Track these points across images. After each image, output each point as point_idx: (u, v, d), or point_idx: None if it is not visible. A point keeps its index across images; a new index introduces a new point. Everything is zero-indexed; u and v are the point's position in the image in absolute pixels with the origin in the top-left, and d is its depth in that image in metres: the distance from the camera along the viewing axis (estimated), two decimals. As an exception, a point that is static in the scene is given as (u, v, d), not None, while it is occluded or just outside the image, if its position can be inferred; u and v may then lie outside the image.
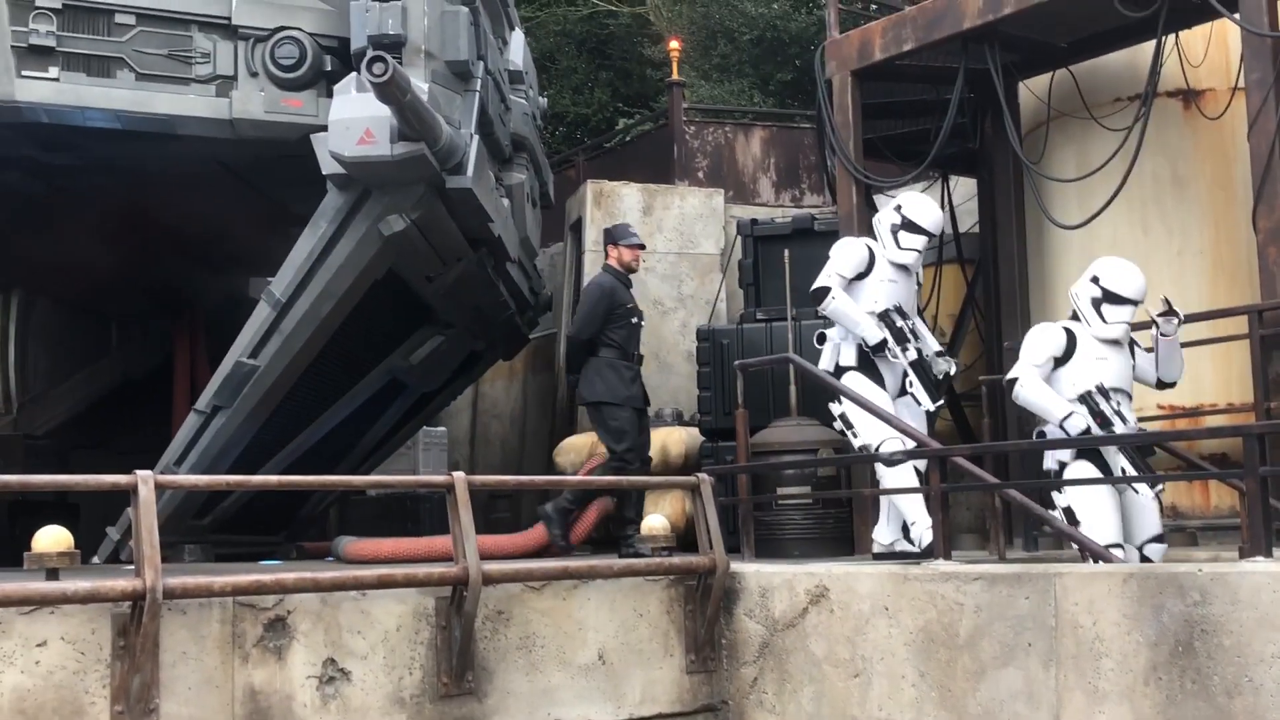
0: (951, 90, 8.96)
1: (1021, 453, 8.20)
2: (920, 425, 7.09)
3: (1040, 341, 6.59)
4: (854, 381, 7.23)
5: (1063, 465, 6.41)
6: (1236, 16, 7.43)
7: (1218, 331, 7.78)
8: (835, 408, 7.28)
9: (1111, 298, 6.54)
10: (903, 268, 7.37)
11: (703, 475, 6.49)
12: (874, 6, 11.57)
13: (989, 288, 10.34)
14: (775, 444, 8.96)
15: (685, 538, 7.14)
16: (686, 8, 18.92)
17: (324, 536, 11.01)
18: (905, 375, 7.21)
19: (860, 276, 7.30)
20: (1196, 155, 8.87)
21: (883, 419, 6.87)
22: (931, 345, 7.40)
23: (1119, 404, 6.39)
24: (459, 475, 5.46)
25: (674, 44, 15.49)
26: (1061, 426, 6.34)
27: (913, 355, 7.17)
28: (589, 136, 19.08)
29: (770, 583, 6.19)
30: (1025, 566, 5.44)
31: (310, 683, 5.17)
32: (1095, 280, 6.65)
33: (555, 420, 13.64)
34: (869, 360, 7.27)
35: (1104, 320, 6.54)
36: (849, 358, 7.31)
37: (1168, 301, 6.58)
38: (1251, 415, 7.44)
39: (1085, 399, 6.37)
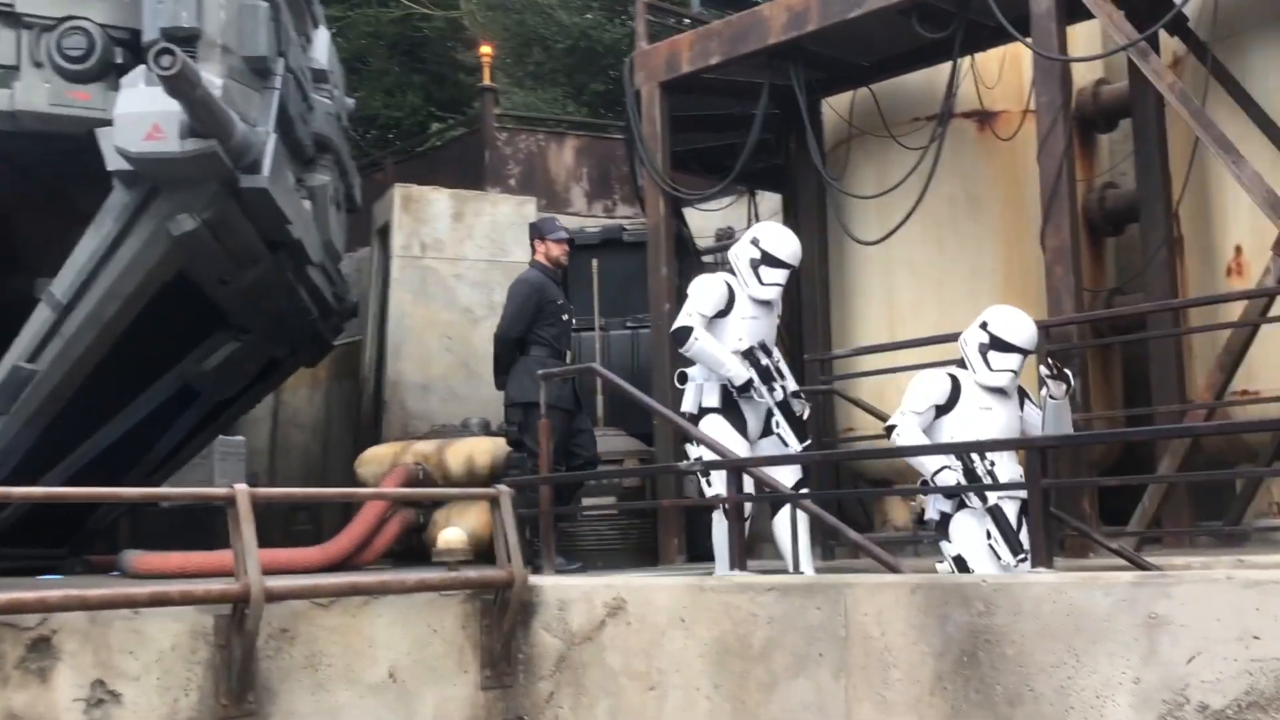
0: (758, 105, 9.05)
1: (817, 463, 8.32)
2: (789, 468, 6.73)
3: (923, 388, 6.32)
4: (711, 426, 6.81)
5: (945, 516, 6.19)
6: (1029, 40, 7.66)
7: (1008, 347, 8.00)
8: (691, 450, 6.82)
9: (999, 344, 6.29)
10: (764, 303, 6.97)
11: (501, 487, 6.38)
12: (685, 20, 11.65)
13: (791, 302, 10.48)
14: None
15: (493, 549, 7.00)
16: (500, 14, 18.80)
17: (114, 550, 10.52)
18: (771, 415, 6.86)
19: (721, 314, 6.89)
20: (990, 175, 9.14)
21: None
22: (791, 385, 7.03)
23: (992, 463, 6.07)
24: (241, 488, 5.24)
25: (486, 49, 15.36)
26: (932, 480, 6.09)
27: (779, 395, 6.85)
28: (400, 140, 18.78)
29: (568, 596, 6.11)
30: (817, 577, 5.48)
31: (76, 706, 4.88)
32: (984, 326, 6.39)
33: (359, 430, 13.35)
34: (733, 401, 6.86)
35: (990, 368, 6.28)
36: (712, 399, 6.89)
37: (1057, 365, 6.31)
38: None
39: (961, 455, 6.09)
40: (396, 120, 19.59)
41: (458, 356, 13.37)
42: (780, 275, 6.91)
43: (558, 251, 8.48)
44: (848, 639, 5.05)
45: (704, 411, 6.89)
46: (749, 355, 6.85)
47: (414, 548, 9.67)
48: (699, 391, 6.96)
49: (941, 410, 6.21)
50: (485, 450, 10.16)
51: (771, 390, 6.84)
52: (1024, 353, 6.32)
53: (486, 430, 11.07)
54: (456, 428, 11.32)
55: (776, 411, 6.82)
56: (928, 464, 6.04)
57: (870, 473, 9.39)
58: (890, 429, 6.31)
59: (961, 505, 6.11)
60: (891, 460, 8.65)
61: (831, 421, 9.24)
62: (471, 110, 17.24)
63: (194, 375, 9.32)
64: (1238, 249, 7.95)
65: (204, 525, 12.89)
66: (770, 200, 11.52)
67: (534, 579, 6.28)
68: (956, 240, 9.11)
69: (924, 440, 6.15)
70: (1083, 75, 9.12)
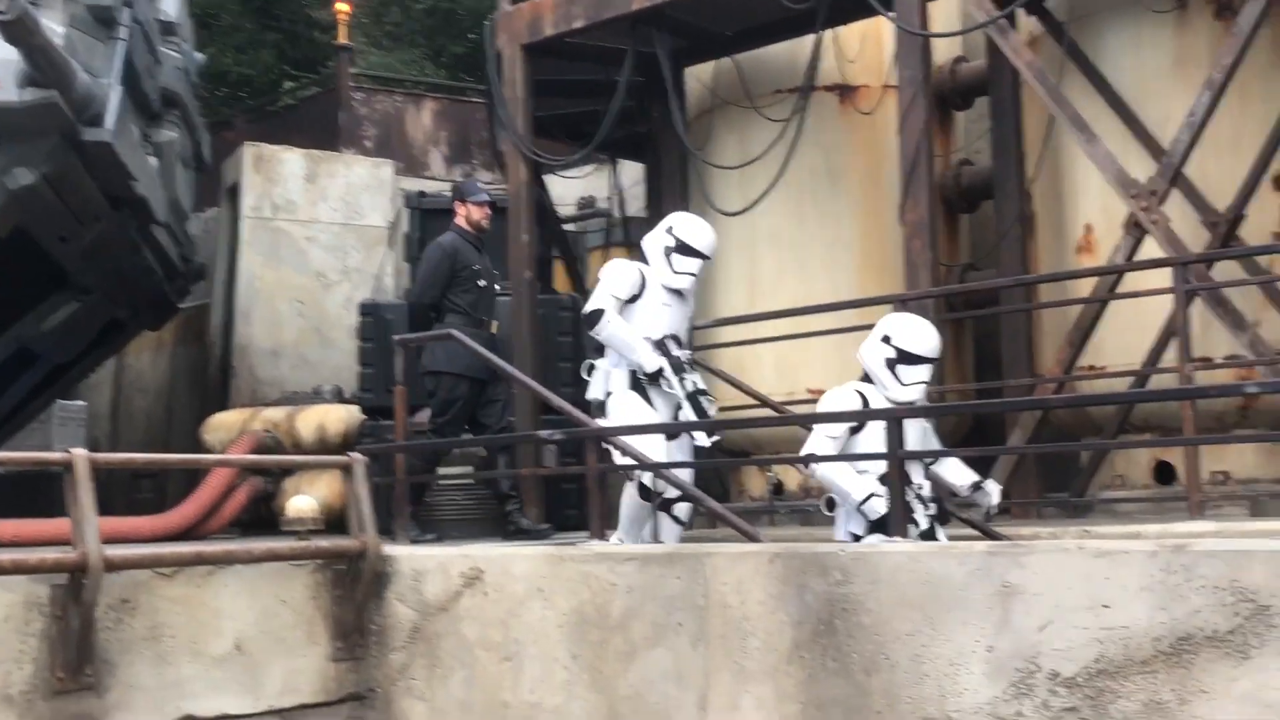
0: (621, 72, 8.97)
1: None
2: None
3: (838, 409, 5.90)
4: (623, 402, 6.54)
5: (857, 538, 5.85)
6: (892, 15, 7.71)
7: (865, 319, 8.06)
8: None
9: (907, 358, 5.91)
10: (677, 293, 6.67)
11: (355, 455, 6.22)
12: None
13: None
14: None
15: (345, 519, 6.83)
16: (359, -28, 18.35)
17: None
18: (679, 409, 6.53)
19: (633, 300, 6.59)
20: (850, 149, 9.21)
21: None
22: (700, 381, 6.72)
23: (915, 476, 5.73)
24: (79, 452, 4.99)
25: (343, 7, 14.98)
26: (860, 510, 5.67)
27: (690, 387, 6.55)
28: (252, 99, 18.25)
29: (424, 566, 5.99)
30: (678, 546, 5.45)
31: (-101, 682, 4.62)
32: (887, 340, 5.99)
33: (206, 396, 12.96)
34: (642, 389, 6.56)
35: (901, 383, 5.88)
36: (621, 386, 6.58)
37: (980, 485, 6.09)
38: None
39: (885, 479, 5.57)
40: (248, 78, 19.03)
41: (310, 322, 13.06)
42: (694, 265, 6.63)
43: (478, 215, 8.14)
44: (707, 608, 5.03)
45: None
46: (660, 345, 6.54)
47: (262, 517, 9.42)
48: (606, 378, 6.69)
49: (855, 430, 5.82)
50: (338, 418, 9.95)
51: (683, 383, 6.53)
52: (932, 363, 6.03)
53: (339, 397, 10.83)
54: (308, 394, 11.06)
55: (686, 405, 6.51)
56: (853, 494, 5.64)
57: (727, 444, 9.41)
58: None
59: (877, 528, 5.64)
60: (748, 431, 8.69)
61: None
62: (326, 69, 16.82)
63: (32, 337, 8.93)
64: (1088, 227, 8.13)
65: (41, 492, 12.40)
66: (632, 169, 11.46)
67: (388, 548, 6.14)
68: (817, 213, 9.16)
69: (846, 466, 5.72)
70: (941, 53, 9.23)
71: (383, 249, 13.09)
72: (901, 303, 7.40)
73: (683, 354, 6.59)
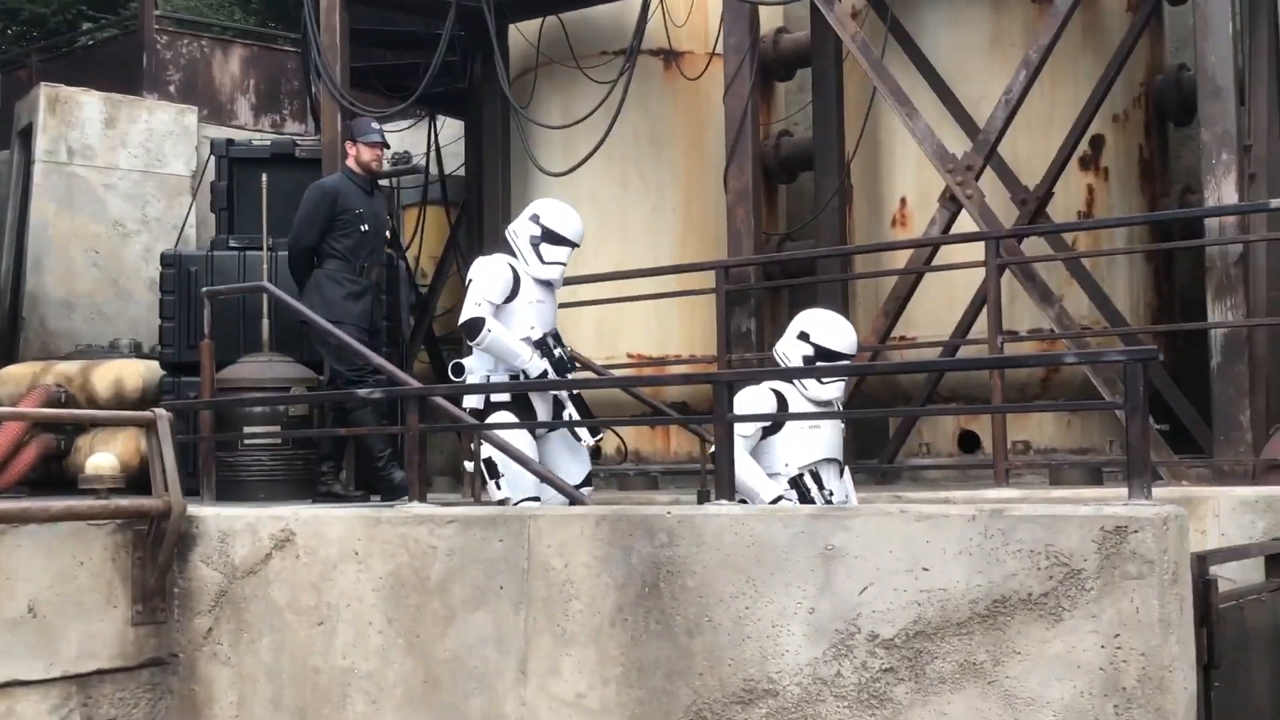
0: (444, 25, 8.76)
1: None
2: (580, 462, 6.29)
3: (753, 409, 5.57)
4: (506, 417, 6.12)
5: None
6: (719, -18, 7.71)
7: (686, 285, 8.10)
8: (482, 451, 6.10)
9: (827, 355, 5.71)
10: (547, 285, 6.35)
11: (159, 411, 5.94)
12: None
13: (472, 230, 10.29)
14: (244, 380, 8.44)
15: (141, 479, 6.53)
16: (164, -91, 17.54)
17: None
18: (562, 408, 6.27)
19: (507, 300, 6.21)
20: (674, 115, 9.20)
21: (532, 470, 5.96)
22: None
23: (828, 481, 5.67)
24: None
25: (147, -55, 14.29)
26: None
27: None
28: (47, 38, 17.29)
29: (232, 527, 5.76)
30: (501, 509, 5.36)
31: None
32: (804, 337, 5.80)
33: (-9, 347, 12.28)
34: (523, 395, 6.20)
35: (820, 381, 5.61)
36: (501, 393, 6.18)
37: None
38: (714, 366, 7.81)
39: (796, 482, 5.56)
40: (42, 17, 18.01)
41: (106, 273, 12.47)
42: (564, 254, 6.32)
43: (369, 156, 7.67)
44: (529, 571, 4.96)
45: (492, 407, 6.14)
46: (541, 345, 6.24)
47: (53, 475, 8.97)
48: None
49: (769, 431, 5.62)
50: (135, 373, 9.51)
51: None
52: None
53: (138, 352, 10.37)
54: (103, 348, 10.55)
55: (569, 404, 6.26)
56: (763, 494, 5.42)
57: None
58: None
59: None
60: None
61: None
62: (127, 10, 16.04)
63: None
64: (903, 201, 8.30)
65: None
66: (452, 126, 11.24)
67: (194, 509, 5.89)
68: (640, 177, 9.13)
69: (758, 468, 5.49)
70: (764, 23, 9.27)
71: (186, 198, 12.57)
72: (724, 269, 7.43)
73: (562, 351, 6.30)
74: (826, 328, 5.79)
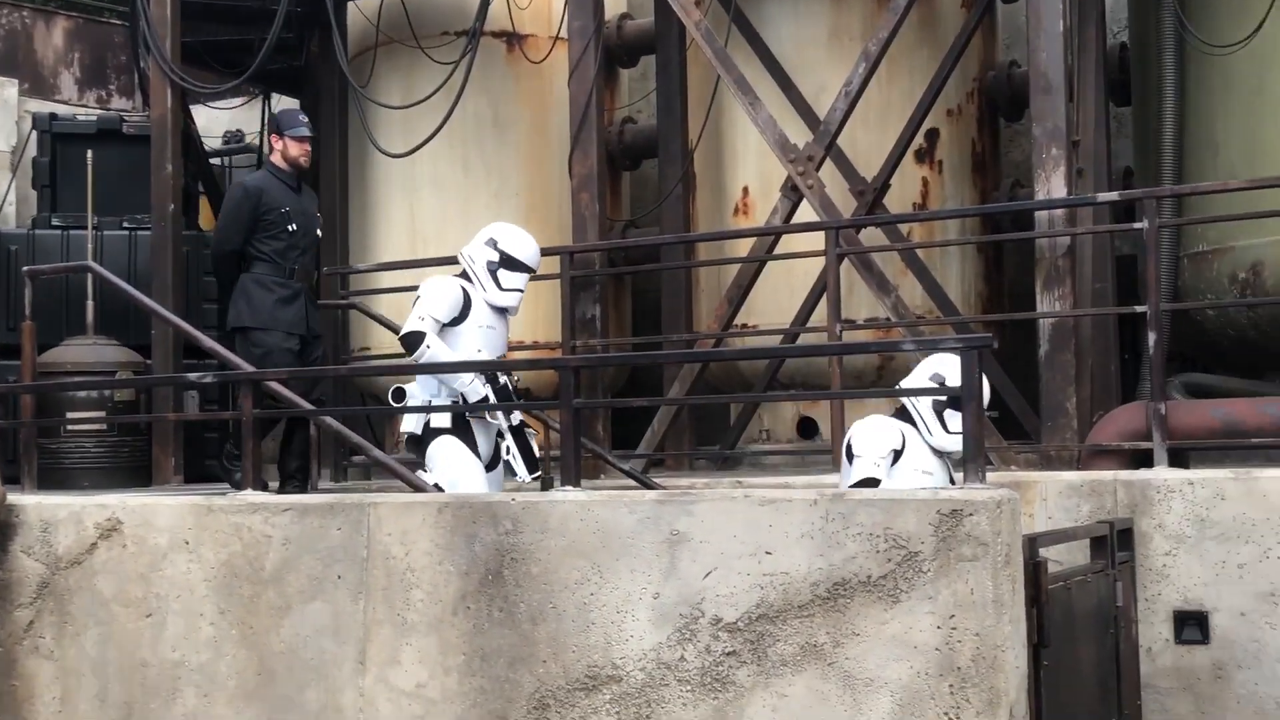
0: (278, 0, 8.52)
1: (339, 379, 8.04)
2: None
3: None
4: (446, 449, 5.94)
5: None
6: (564, -35, 7.65)
7: (530, 270, 8.04)
8: (428, 477, 5.88)
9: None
10: (501, 311, 6.12)
11: (-24, 394, 5.66)
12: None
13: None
14: (67, 364, 8.13)
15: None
16: None
17: None
18: (501, 439, 6.04)
19: (455, 322, 6.00)
20: (518, 98, 9.13)
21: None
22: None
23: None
24: None
25: (-38, -93, 13.60)
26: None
27: (516, 418, 6.04)
28: None
29: (55, 516, 5.52)
30: (339, 497, 5.24)
31: None
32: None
33: None
34: (464, 419, 5.99)
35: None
36: (441, 417, 5.96)
37: None
38: (557, 353, 7.77)
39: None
40: None
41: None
42: (521, 280, 6.10)
43: (297, 151, 6.96)
44: (369, 560, 4.86)
45: (432, 432, 5.96)
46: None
47: None
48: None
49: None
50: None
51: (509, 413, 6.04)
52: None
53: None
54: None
55: (508, 436, 6.01)
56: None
57: (384, 393, 9.17)
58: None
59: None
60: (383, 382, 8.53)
61: (346, 339, 8.95)
62: (-60, -25, 15.26)
63: None
64: (745, 190, 8.38)
65: None
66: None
67: (14, 497, 5.64)
68: (482, 161, 9.04)
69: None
70: (608, 8, 9.26)
71: (5, 175, 12.02)
72: (569, 255, 7.40)
73: (509, 380, 6.07)
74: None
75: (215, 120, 12.04)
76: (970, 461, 4.18)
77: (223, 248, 6.94)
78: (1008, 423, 7.43)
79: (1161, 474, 5.65)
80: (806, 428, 8.16)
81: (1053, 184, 6.51)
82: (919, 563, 4.08)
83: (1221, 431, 5.86)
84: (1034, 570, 4.24)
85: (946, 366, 5.26)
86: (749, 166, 8.32)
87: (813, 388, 7.74)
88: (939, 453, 5.35)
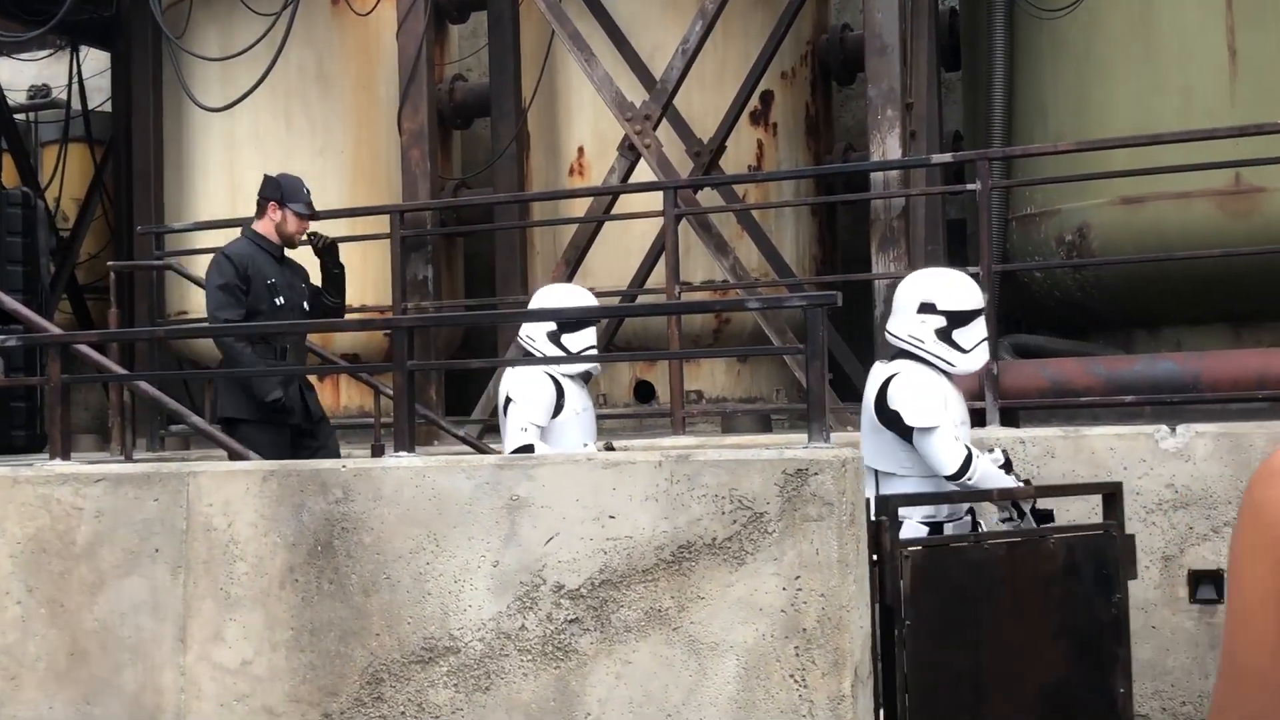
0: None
1: (154, 344, 7.66)
2: None
3: (930, 399, 4.57)
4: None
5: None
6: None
7: (357, 230, 7.76)
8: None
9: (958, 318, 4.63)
10: (585, 383, 5.54)
11: None
12: None
13: (120, 170, 9.57)
14: None
15: None
16: None
17: None
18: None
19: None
20: (343, 52, 8.81)
21: None
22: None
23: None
24: None
25: None
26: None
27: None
28: None
29: None
30: (156, 466, 4.95)
31: None
32: (929, 308, 4.63)
33: None
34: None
35: (963, 349, 4.61)
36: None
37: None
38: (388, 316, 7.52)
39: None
40: None
41: None
42: (591, 335, 5.39)
43: (295, 229, 6.08)
44: (189, 532, 4.60)
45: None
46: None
47: None
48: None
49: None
50: None
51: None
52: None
53: None
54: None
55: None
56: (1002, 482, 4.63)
57: (204, 359, 8.80)
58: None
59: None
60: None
61: (162, 301, 8.53)
62: None
63: None
64: (580, 149, 8.23)
65: None
66: (97, 57, 10.41)
67: None
68: (306, 116, 8.70)
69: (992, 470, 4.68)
70: (439, -38, 8.99)
71: None
72: (399, 214, 7.16)
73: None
74: (950, 289, 4.68)
75: (20, 72, 11.38)
76: (814, 421, 4.13)
77: (222, 316, 5.92)
78: (842, 384, 7.46)
79: (994, 433, 5.72)
80: (643, 391, 8.08)
81: (888, 145, 6.53)
82: (764, 524, 4.02)
83: (1051, 391, 5.97)
84: (876, 529, 4.22)
85: (932, 290, 4.62)
86: (584, 126, 8.17)
87: (650, 350, 7.66)
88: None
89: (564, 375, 5.22)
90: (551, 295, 5.45)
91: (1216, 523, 5.36)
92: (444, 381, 7.48)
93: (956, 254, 7.72)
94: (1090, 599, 4.43)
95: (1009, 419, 5.97)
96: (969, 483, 4.51)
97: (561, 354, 5.21)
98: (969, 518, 4.77)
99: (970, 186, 6.15)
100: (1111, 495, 4.58)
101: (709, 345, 7.83)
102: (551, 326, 5.28)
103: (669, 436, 6.32)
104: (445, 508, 4.29)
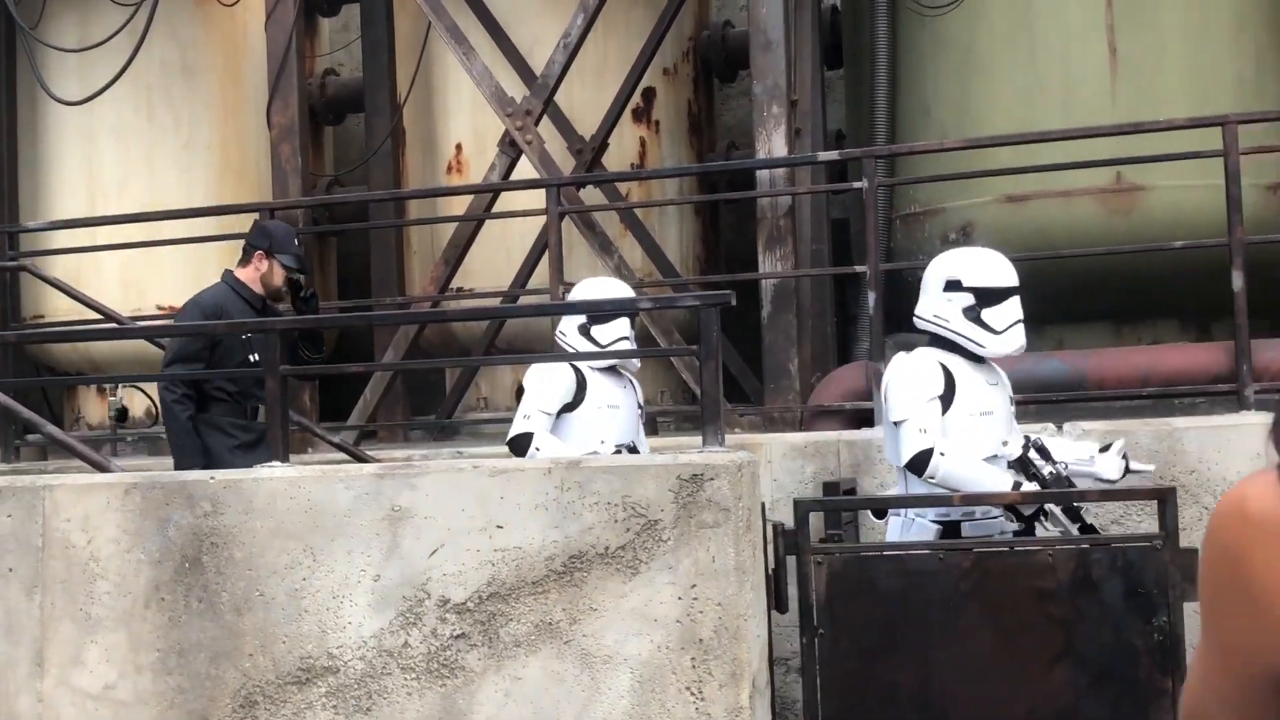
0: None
1: (7, 349, 7.26)
2: None
3: (916, 391, 4.29)
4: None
5: None
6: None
7: (225, 229, 7.45)
8: None
9: (988, 295, 4.30)
10: (620, 380, 5.28)
11: None
12: None
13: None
14: None
15: None
16: None
17: None
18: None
19: (569, 408, 5.12)
20: (208, 43, 8.47)
21: None
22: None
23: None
24: None
25: None
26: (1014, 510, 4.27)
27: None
28: None
29: None
30: (9, 479, 4.63)
31: None
32: (955, 285, 4.32)
33: None
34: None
35: (994, 329, 4.27)
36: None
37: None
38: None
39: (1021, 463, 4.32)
40: None
41: None
42: (624, 326, 5.16)
43: (279, 280, 5.59)
44: (45, 549, 4.31)
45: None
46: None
47: None
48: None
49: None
50: None
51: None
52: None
53: None
54: None
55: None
56: (991, 483, 4.24)
57: (62, 365, 8.38)
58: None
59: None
60: (87, 348, 7.82)
61: (17, 304, 8.11)
62: None
63: None
64: (459, 147, 8.01)
65: None
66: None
67: None
68: (170, 109, 8.34)
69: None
70: (308, -48, 8.71)
71: None
72: (269, 212, 6.88)
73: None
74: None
75: None
76: (709, 424, 4.00)
77: (169, 373, 5.52)
78: (730, 386, 7.37)
79: (883, 433, 5.66)
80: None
81: (774, 143, 6.44)
82: (659, 531, 3.88)
83: (938, 389, 5.91)
84: (775, 534, 4.11)
85: (959, 267, 4.32)
86: (463, 122, 7.96)
87: (533, 352, 7.48)
88: (992, 379, 4.41)
89: (592, 367, 5.03)
90: (586, 288, 5.31)
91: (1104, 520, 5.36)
92: (318, 386, 7.21)
93: (838, 253, 7.68)
94: (1116, 621, 3.88)
95: (898, 419, 5.90)
96: (933, 480, 4.20)
97: (574, 349, 5.07)
98: (1003, 519, 4.29)
99: (857, 185, 6.09)
100: (1164, 501, 3.96)
101: (593, 346, 7.66)
102: (582, 319, 5.09)
103: (554, 440, 6.14)
104: (322, 520, 4.07)
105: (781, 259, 6.40)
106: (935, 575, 3.99)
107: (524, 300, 7.15)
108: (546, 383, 4.99)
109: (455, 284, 7.56)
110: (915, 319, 4.47)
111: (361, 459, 5.82)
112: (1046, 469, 4.26)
